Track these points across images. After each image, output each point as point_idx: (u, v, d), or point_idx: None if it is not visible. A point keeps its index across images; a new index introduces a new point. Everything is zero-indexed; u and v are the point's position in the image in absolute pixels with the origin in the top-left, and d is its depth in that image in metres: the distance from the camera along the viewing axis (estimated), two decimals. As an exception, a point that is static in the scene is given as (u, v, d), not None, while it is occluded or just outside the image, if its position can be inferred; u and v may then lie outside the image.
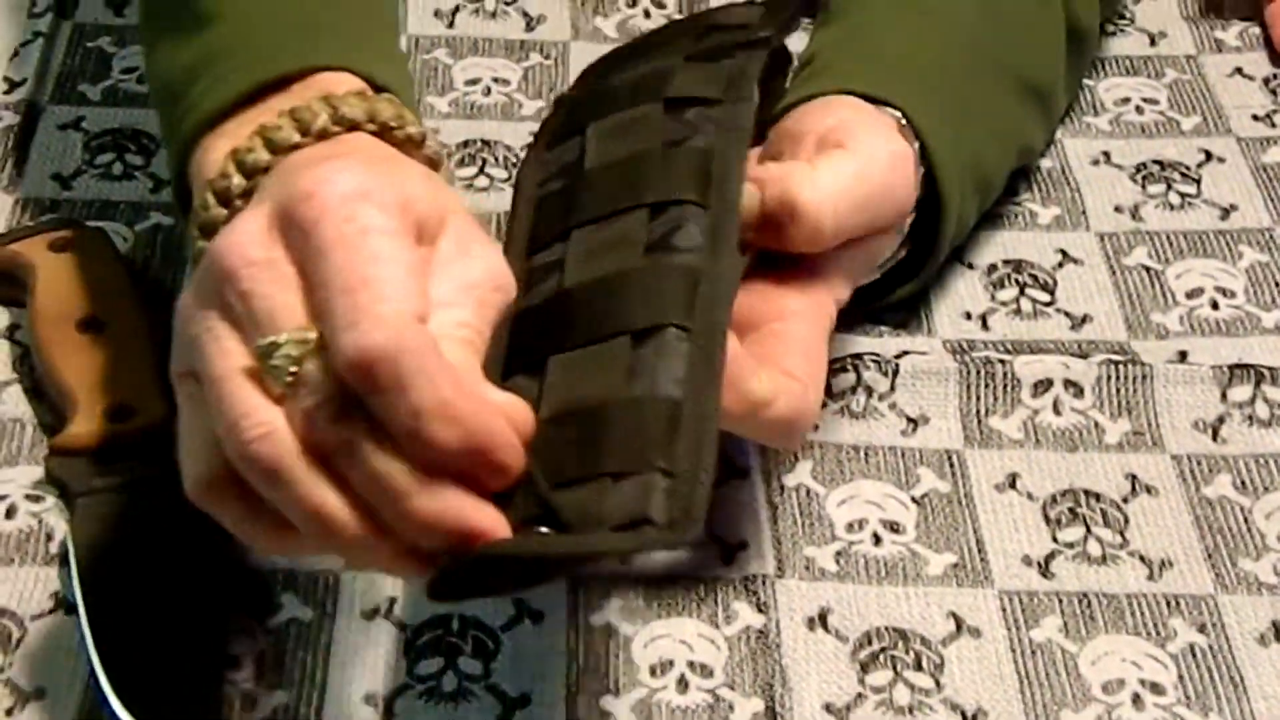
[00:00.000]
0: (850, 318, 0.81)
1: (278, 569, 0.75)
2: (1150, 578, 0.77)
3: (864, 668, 0.73)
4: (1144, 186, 0.96)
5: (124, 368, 0.80)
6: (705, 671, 0.73)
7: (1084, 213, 0.94)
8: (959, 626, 0.75)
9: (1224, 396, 0.84)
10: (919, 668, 0.73)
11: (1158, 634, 0.75)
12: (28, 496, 0.78)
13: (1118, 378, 0.84)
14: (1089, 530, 0.79)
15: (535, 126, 0.96)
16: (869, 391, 0.84)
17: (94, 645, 0.71)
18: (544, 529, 0.61)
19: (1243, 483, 0.81)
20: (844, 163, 0.74)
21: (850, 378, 0.83)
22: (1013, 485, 0.81)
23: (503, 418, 0.59)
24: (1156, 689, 0.73)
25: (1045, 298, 0.89)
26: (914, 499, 0.80)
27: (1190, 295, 0.90)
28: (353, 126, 0.67)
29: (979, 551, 0.78)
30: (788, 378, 0.70)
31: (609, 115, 0.76)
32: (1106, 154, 0.98)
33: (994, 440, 0.83)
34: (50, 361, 0.81)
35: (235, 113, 0.71)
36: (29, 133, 0.96)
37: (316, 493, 0.58)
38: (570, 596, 0.75)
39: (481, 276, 0.63)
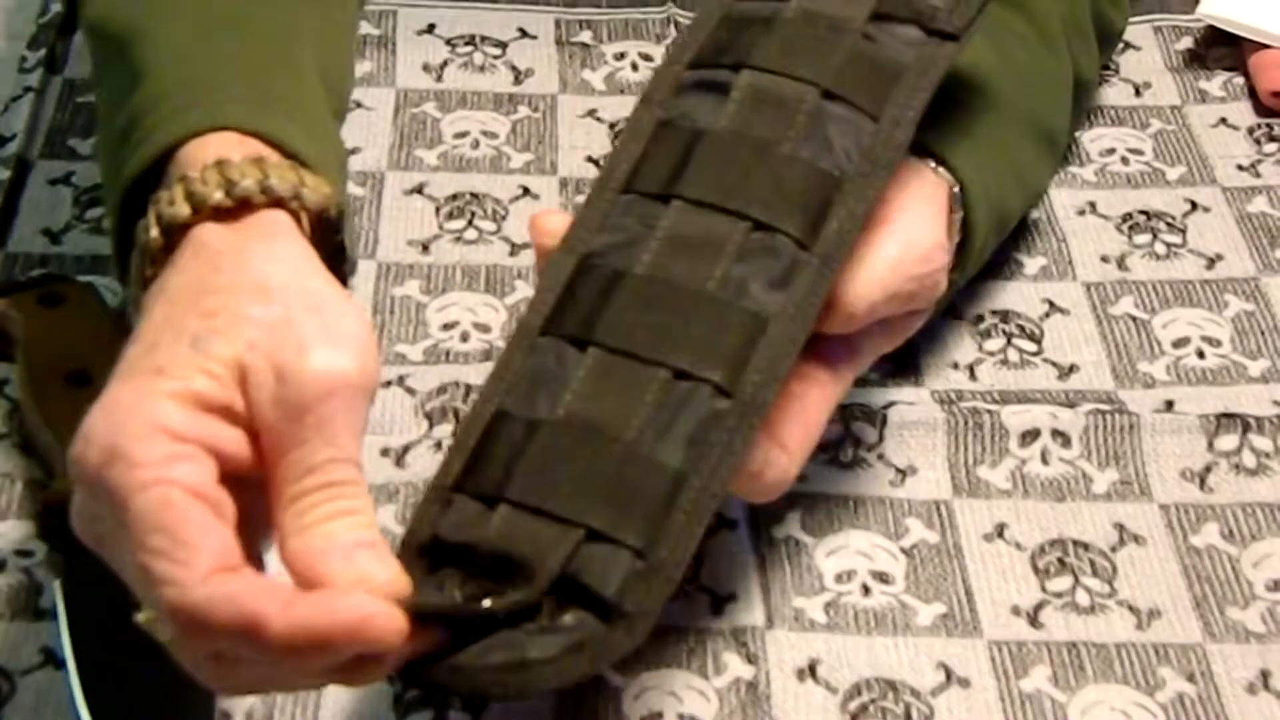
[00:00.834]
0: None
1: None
2: (1139, 627, 0.77)
3: (854, 718, 0.73)
4: (1130, 236, 0.96)
5: (113, 422, 0.80)
6: (695, 723, 0.73)
7: (1070, 263, 0.95)
8: (948, 677, 0.75)
9: (1211, 446, 0.84)
10: (909, 718, 0.73)
11: (1147, 683, 0.75)
12: (17, 551, 0.78)
13: (1105, 427, 0.84)
14: (1077, 580, 0.79)
15: (523, 180, 0.97)
16: (857, 442, 0.84)
17: (84, 701, 0.71)
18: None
19: (1230, 531, 0.81)
20: (886, 249, 0.73)
21: (838, 428, 0.84)
22: (1001, 535, 0.81)
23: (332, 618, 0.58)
24: (1146, 738, 0.73)
25: (1032, 348, 0.90)
26: (903, 549, 0.80)
27: (1177, 344, 0.90)
28: (244, 200, 0.66)
29: (968, 601, 0.78)
30: (778, 450, 0.70)
31: (768, 66, 0.73)
32: (1092, 204, 0.98)
33: (982, 490, 0.83)
34: (39, 416, 0.81)
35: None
36: (18, 187, 0.96)
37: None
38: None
39: (313, 398, 0.60)
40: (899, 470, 0.83)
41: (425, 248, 0.94)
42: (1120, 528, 0.81)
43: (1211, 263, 0.95)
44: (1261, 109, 1.05)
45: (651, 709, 0.73)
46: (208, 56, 0.74)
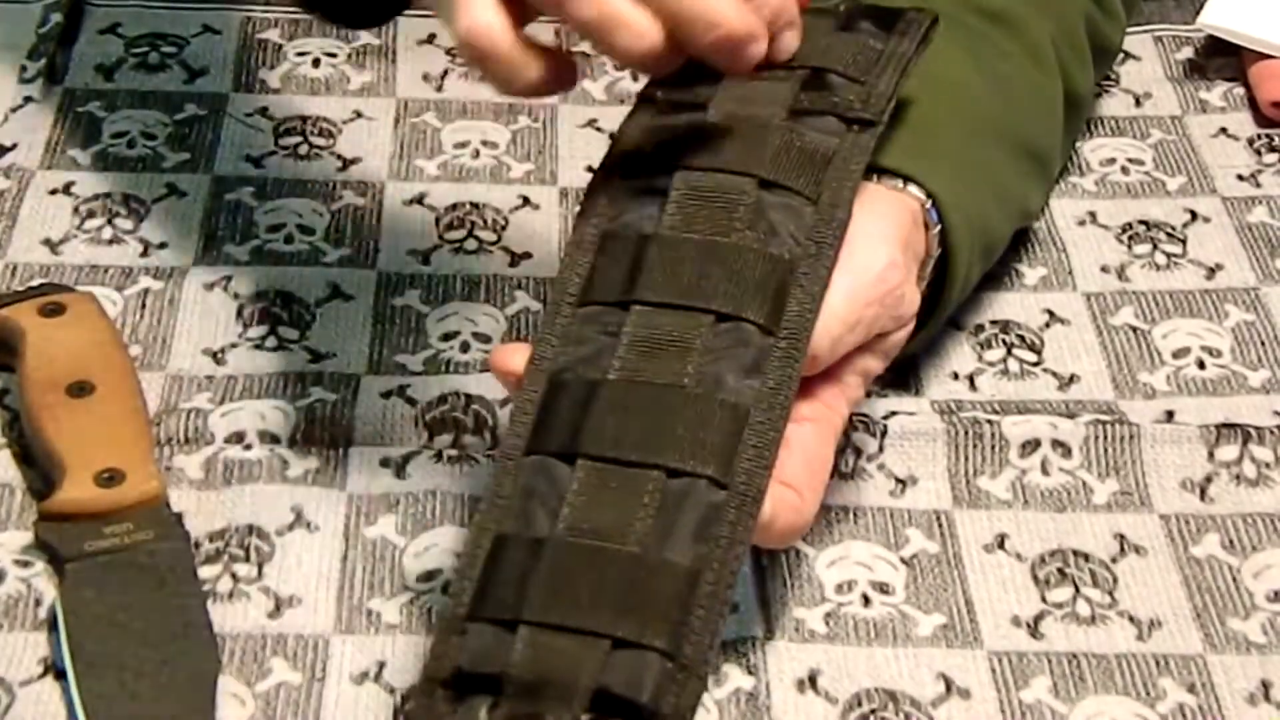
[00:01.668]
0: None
1: (267, 633, 0.75)
2: (1139, 638, 0.77)
3: (854, 730, 0.73)
4: (1130, 247, 0.96)
5: (113, 432, 0.80)
6: (695, 734, 0.73)
7: (1070, 273, 0.95)
8: (949, 687, 0.75)
9: (1211, 456, 0.84)
10: (909, 729, 0.73)
11: (1147, 694, 0.75)
12: (17, 562, 0.78)
13: (1105, 438, 0.84)
14: (1078, 590, 0.79)
15: (523, 190, 0.97)
16: (857, 452, 0.84)
17: (83, 712, 0.71)
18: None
19: (1231, 542, 0.81)
20: (836, 283, 0.73)
21: (839, 439, 0.84)
22: (1001, 546, 0.81)
23: None
24: (1147, 749, 0.73)
25: (1032, 358, 0.90)
26: (903, 560, 0.80)
27: (1177, 355, 0.90)
28: None
29: (968, 612, 0.78)
30: (787, 490, 0.70)
31: (702, 165, 0.75)
32: (1093, 214, 0.98)
33: (982, 501, 0.83)
34: (39, 426, 0.81)
35: None
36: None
37: None
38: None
39: None
40: (899, 480, 0.83)
41: (425, 258, 0.94)
42: (1121, 538, 0.81)
43: (1212, 273, 0.95)
44: (1262, 119, 1.05)
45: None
46: None
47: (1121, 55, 1.09)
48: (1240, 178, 1.01)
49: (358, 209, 0.97)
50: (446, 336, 0.90)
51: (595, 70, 1.07)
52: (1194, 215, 0.99)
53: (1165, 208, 0.99)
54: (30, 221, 0.95)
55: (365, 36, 1.08)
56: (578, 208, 0.93)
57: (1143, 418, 0.85)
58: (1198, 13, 1.10)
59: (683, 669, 0.65)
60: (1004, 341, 0.91)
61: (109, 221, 0.95)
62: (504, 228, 0.96)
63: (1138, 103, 1.07)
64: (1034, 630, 0.77)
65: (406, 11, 0.96)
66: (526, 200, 0.98)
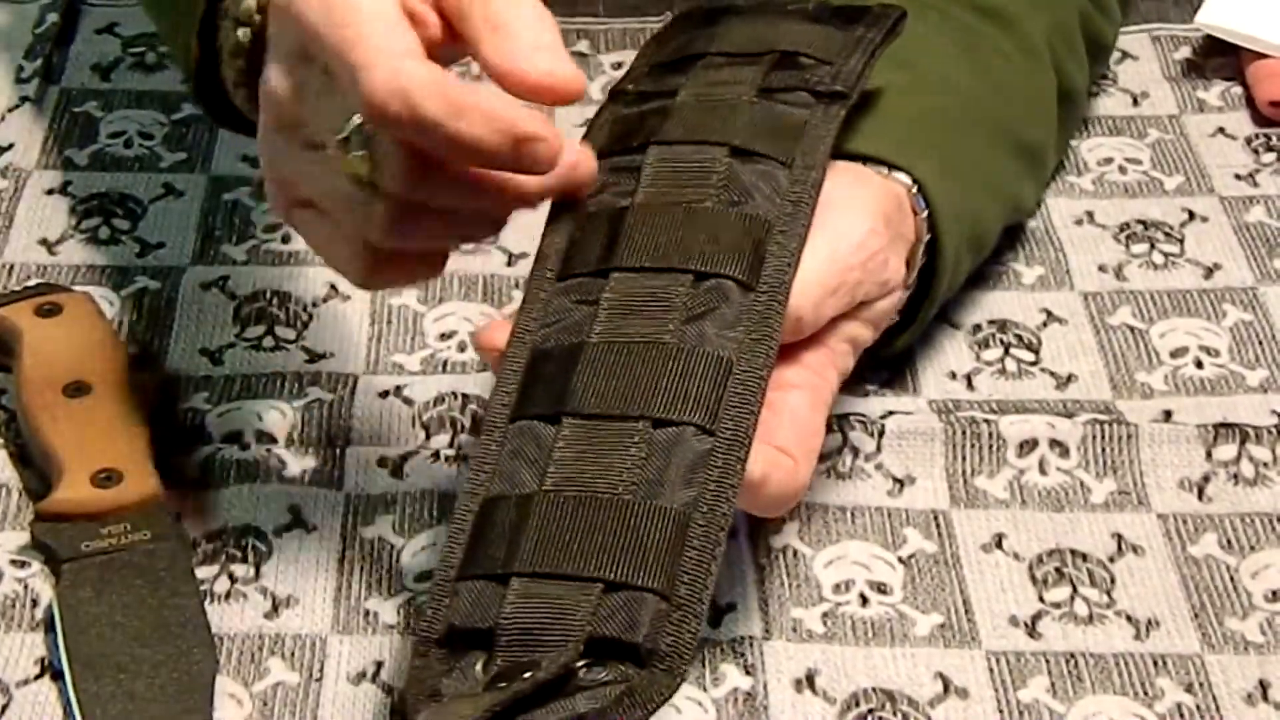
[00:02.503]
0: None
1: (265, 634, 0.75)
2: (1137, 637, 0.77)
3: (852, 729, 0.73)
4: (1127, 246, 0.96)
5: (111, 432, 0.80)
6: (693, 734, 0.73)
7: (1068, 272, 0.95)
8: (946, 687, 0.75)
9: (1209, 455, 0.84)
10: (907, 729, 0.73)
11: (1145, 694, 0.75)
12: (13, 562, 0.78)
13: (1103, 437, 0.84)
14: (1075, 590, 0.79)
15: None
16: (855, 452, 0.84)
17: (79, 712, 0.71)
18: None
19: (1229, 541, 0.81)
20: (816, 248, 0.74)
21: (836, 438, 0.84)
22: (999, 545, 0.81)
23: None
24: (1144, 749, 0.73)
25: (1030, 357, 0.90)
26: (901, 559, 0.80)
27: (1174, 354, 0.90)
28: None
29: (966, 612, 0.78)
30: (779, 454, 0.70)
31: (674, 139, 0.76)
32: (1090, 214, 0.98)
33: (980, 500, 0.83)
34: (36, 426, 0.81)
35: None
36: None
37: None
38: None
39: None
40: (897, 480, 0.83)
41: (423, 258, 0.94)
42: (1118, 538, 0.81)
43: (1209, 272, 0.95)
44: (1259, 119, 1.05)
45: (649, 720, 0.73)
46: None
47: (1119, 54, 1.09)
48: (1238, 177, 1.01)
49: (355, 209, 0.97)
50: (444, 336, 0.90)
51: (593, 70, 1.07)
52: (1192, 215, 0.99)
53: (1163, 207, 0.99)
54: (27, 221, 0.95)
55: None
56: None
57: (1140, 417, 0.85)
58: (1195, 12, 1.10)
59: (678, 608, 0.64)
60: (1001, 341, 0.91)
61: (106, 221, 0.95)
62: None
63: (1135, 102, 1.07)
64: (1032, 630, 0.77)
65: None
66: (524, 200, 0.98)
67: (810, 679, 0.75)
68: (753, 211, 0.73)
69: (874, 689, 0.75)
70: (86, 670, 0.72)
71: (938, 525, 0.81)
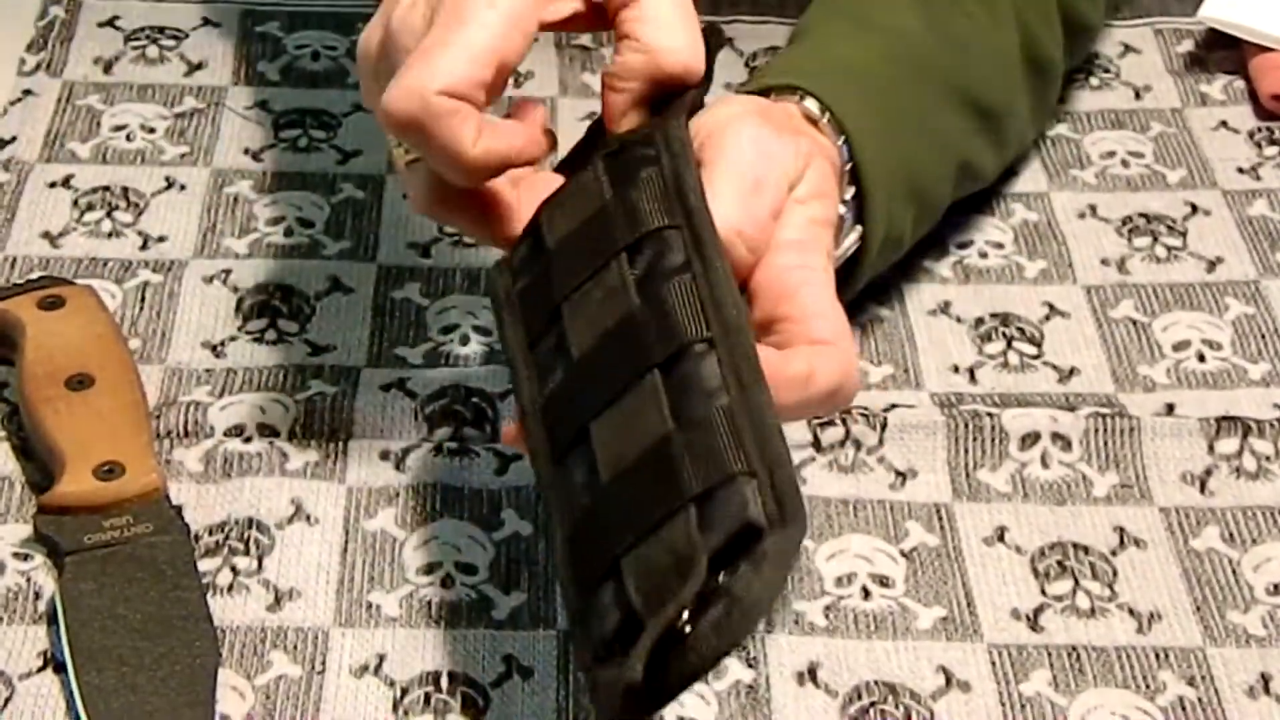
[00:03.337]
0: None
1: (267, 626, 0.75)
2: (1139, 630, 0.77)
3: (854, 722, 0.73)
4: (1130, 239, 0.96)
5: (113, 425, 0.80)
6: (695, 727, 0.73)
7: (1070, 266, 0.95)
8: (949, 680, 0.75)
9: (1211, 449, 0.84)
10: (909, 722, 0.73)
11: (1147, 687, 0.75)
12: (16, 555, 0.78)
13: (1105, 430, 0.84)
14: (1078, 583, 0.79)
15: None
16: (857, 445, 0.84)
17: (83, 705, 0.71)
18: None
19: (1231, 535, 0.81)
20: (717, 167, 0.74)
21: (839, 431, 0.84)
22: (1001, 538, 0.81)
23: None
24: (1146, 742, 0.73)
25: (1032, 351, 0.90)
26: (903, 553, 0.80)
27: (1177, 348, 0.90)
28: None
29: (968, 605, 0.78)
30: (816, 345, 0.70)
31: (563, 200, 0.76)
32: (1093, 207, 0.98)
33: (982, 493, 0.83)
34: (38, 419, 0.81)
35: None
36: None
37: None
38: (560, 651, 0.75)
39: None
40: (899, 473, 0.83)
41: (425, 251, 0.94)
42: (1120, 531, 0.81)
43: (1212, 266, 0.95)
44: (1262, 112, 1.05)
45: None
46: None
47: (1121, 48, 1.09)
48: (1240, 171, 1.01)
49: (357, 202, 0.97)
50: (446, 329, 0.90)
51: (595, 63, 1.07)
52: (1194, 208, 0.99)
53: (1165, 200, 0.99)
54: (29, 214, 0.95)
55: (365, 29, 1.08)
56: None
57: (1143, 411, 0.85)
58: (1198, 5, 1.10)
59: (769, 468, 0.62)
60: (1004, 334, 0.91)
61: (108, 214, 0.95)
62: (504, 221, 0.96)
63: (1138, 95, 1.07)
64: (1034, 623, 0.77)
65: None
66: (526, 193, 0.98)
67: (812, 672, 0.75)
68: (650, 175, 0.72)
69: (876, 682, 0.75)
70: (89, 663, 0.72)
71: (940, 518, 0.81)
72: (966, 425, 0.84)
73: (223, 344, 0.88)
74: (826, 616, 0.77)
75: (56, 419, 0.80)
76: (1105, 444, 0.84)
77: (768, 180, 0.74)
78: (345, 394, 0.85)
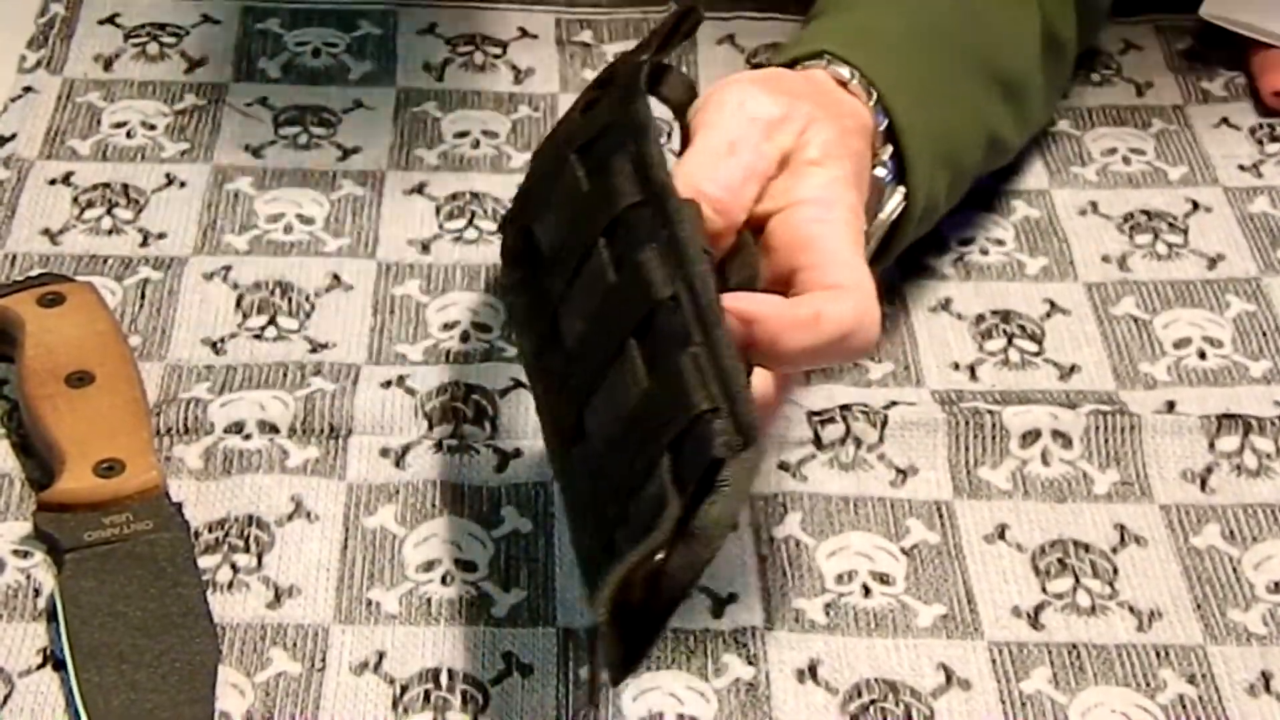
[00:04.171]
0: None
1: (267, 624, 0.75)
2: (1140, 628, 0.77)
3: (854, 719, 0.73)
4: (1131, 236, 0.96)
5: (113, 422, 0.80)
6: (695, 725, 0.73)
7: (1071, 263, 0.95)
8: (949, 678, 0.75)
9: (1212, 446, 0.84)
10: (909, 720, 0.73)
11: (1148, 685, 0.75)
12: (15, 552, 0.78)
13: (1106, 428, 0.84)
14: (1078, 581, 0.79)
15: (524, 179, 0.97)
16: (858, 443, 0.84)
17: (82, 702, 0.71)
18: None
19: (1231, 533, 0.81)
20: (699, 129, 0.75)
21: (839, 429, 0.84)
22: (1002, 536, 0.81)
23: None
24: (1147, 740, 0.73)
25: (1033, 348, 0.90)
26: (903, 550, 0.80)
27: (1178, 345, 0.90)
28: None
29: (968, 603, 0.78)
30: (831, 290, 0.71)
31: (550, 205, 0.76)
32: (1094, 204, 0.98)
33: (983, 491, 0.83)
34: (38, 416, 0.81)
35: None
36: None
37: None
38: (559, 648, 0.75)
39: None
40: (900, 471, 0.83)
41: (425, 247, 0.94)
42: (1121, 529, 0.81)
43: (1213, 263, 0.95)
44: (1263, 109, 1.05)
45: (652, 710, 0.73)
46: None
47: (1123, 44, 1.09)
48: (1242, 168, 1.01)
49: (357, 198, 0.97)
50: (446, 326, 0.90)
51: (596, 60, 1.07)
52: (1195, 205, 0.99)
53: (1167, 197, 0.99)
54: (29, 211, 0.95)
55: (365, 26, 1.08)
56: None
57: (1143, 408, 0.85)
58: (1199, 2, 1.10)
59: (729, 401, 0.64)
60: (1005, 331, 0.90)
61: (108, 211, 0.95)
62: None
63: (1139, 92, 1.06)
64: (1034, 621, 0.77)
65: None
66: (527, 190, 0.98)
67: (812, 669, 0.75)
68: (619, 160, 0.72)
69: (876, 680, 0.75)
70: (88, 660, 0.72)
71: (940, 516, 0.81)
72: (967, 423, 0.84)
73: (223, 341, 0.88)
74: (827, 614, 0.77)
75: (56, 416, 0.80)
76: (1106, 441, 0.84)
77: (745, 141, 0.74)
78: (345, 391, 0.85)
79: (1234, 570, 0.80)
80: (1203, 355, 0.90)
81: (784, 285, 0.72)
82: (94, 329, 0.85)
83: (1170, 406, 0.86)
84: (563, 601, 0.77)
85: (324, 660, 0.74)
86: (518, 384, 0.85)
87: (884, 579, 0.79)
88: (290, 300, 0.91)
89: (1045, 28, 0.92)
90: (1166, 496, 0.83)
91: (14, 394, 0.84)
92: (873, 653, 0.76)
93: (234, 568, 0.78)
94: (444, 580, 0.78)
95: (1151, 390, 0.87)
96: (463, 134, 1.02)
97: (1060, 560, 0.80)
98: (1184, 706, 0.74)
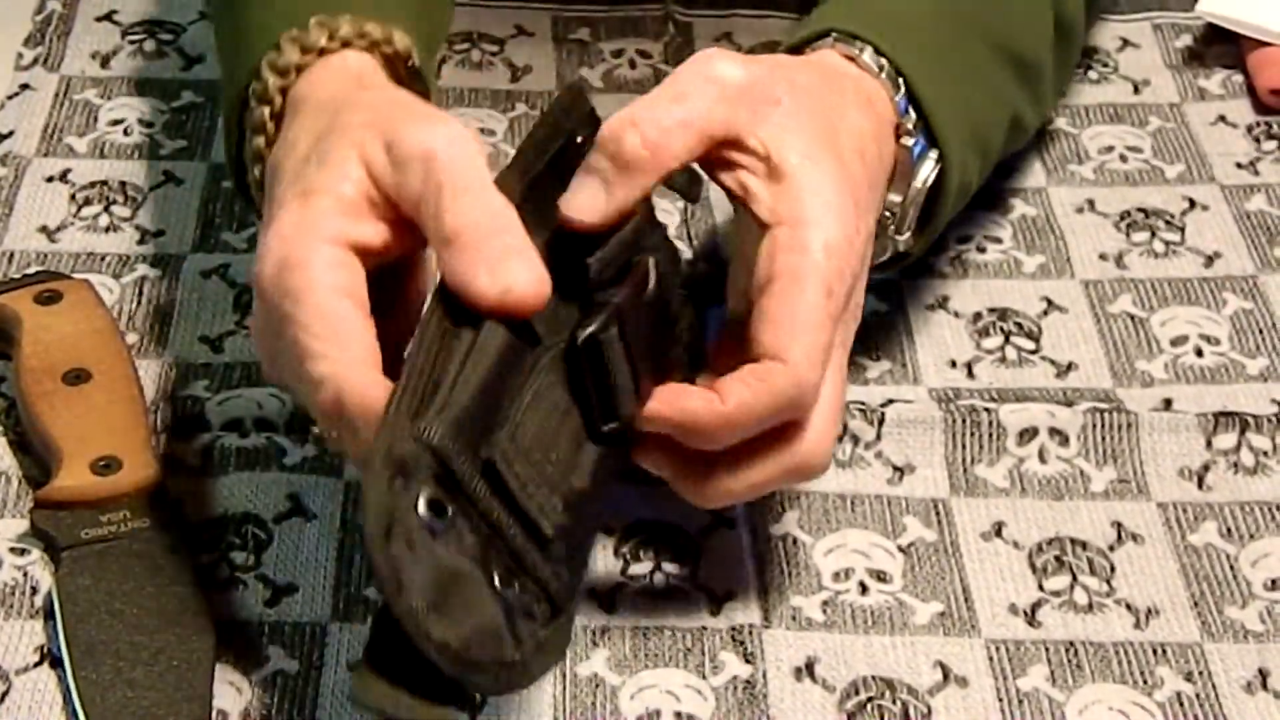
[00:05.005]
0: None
1: (264, 621, 0.75)
2: (1137, 626, 0.77)
3: (851, 717, 0.73)
4: (1128, 234, 0.96)
5: (110, 420, 0.80)
6: (692, 722, 0.73)
7: (1069, 261, 0.95)
8: (946, 676, 0.75)
9: (1209, 444, 0.84)
10: (906, 717, 0.73)
11: (1144, 682, 0.75)
12: (12, 549, 0.78)
13: (1103, 425, 0.84)
14: (1075, 579, 0.79)
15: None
16: (855, 440, 0.84)
17: (79, 700, 0.71)
18: None
19: (1228, 530, 0.81)
20: None
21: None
22: (999, 534, 0.81)
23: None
24: (1144, 738, 0.73)
25: (1030, 346, 0.90)
26: (900, 548, 0.80)
27: (1175, 343, 0.90)
28: (345, 43, 0.77)
29: (965, 600, 0.78)
30: (766, 368, 0.69)
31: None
32: (1091, 202, 0.98)
33: (980, 489, 0.83)
34: (35, 414, 0.81)
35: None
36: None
37: None
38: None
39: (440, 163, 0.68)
40: (897, 469, 0.83)
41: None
42: (1118, 526, 0.81)
43: (1210, 261, 0.95)
44: (1260, 107, 1.05)
45: (649, 708, 0.73)
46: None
47: (1120, 42, 1.09)
48: (1239, 165, 1.01)
49: (355, 196, 0.97)
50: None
51: (593, 58, 1.07)
52: (1192, 203, 0.99)
53: (1164, 195, 0.99)
54: (27, 209, 0.95)
55: (363, 23, 1.08)
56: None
57: (1140, 406, 0.85)
58: (1196, 0, 1.10)
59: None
60: (1002, 329, 0.90)
61: (106, 209, 0.95)
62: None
63: (1136, 90, 1.07)
64: (1031, 618, 0.77)
65: None
66: (524, 188, 0.98)
67: (810, 667, 0.75)
68: None
69: (873, 677, 0.75)
70: (86, 658, 0.72)
71: (937, 514, 0.81)
72: (964, 420, 0.84)
73: (220, 338, 0.88)
74: (824, 611, 0.77)
75: (53, 413, 0.80)
76: (1103, 439, 0.84)
77: (694, 96, 0.72)
78: (343, 389, 0.85)
79: (1231, 568, 0.80)
80: (1200, 353, 0.90)
81: (750, 304, 0.71)
82: (91, 326, 0.85)
83: (1167, 404, 0.86)
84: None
85: (321, 658, 0.74)
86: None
87: (881, 577, 0.79)
88: (288, 298, 0.90)
89: (1056, 8, 0.92)
90: (1163, 494, 0.83)
91: (11, 391, 0.84)
92: (870, 650, 0.76)
93: (231, 565, 0.78)
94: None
95: (1149, 388, 0.87)
96: (460, 132, 1.01)
97: (1057, 558, 0.80)
98: (1181, 704, 0.74)
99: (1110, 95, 1.06)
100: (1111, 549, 0.80)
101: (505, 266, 0.66)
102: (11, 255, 0.92)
